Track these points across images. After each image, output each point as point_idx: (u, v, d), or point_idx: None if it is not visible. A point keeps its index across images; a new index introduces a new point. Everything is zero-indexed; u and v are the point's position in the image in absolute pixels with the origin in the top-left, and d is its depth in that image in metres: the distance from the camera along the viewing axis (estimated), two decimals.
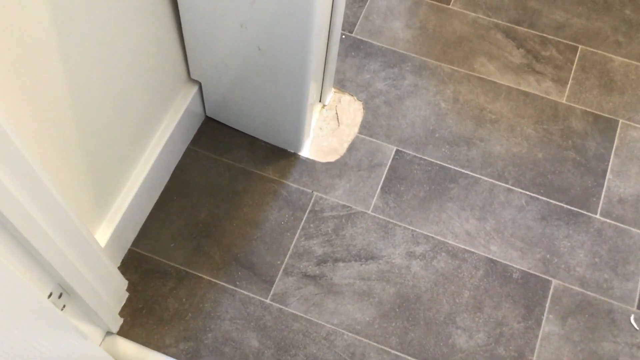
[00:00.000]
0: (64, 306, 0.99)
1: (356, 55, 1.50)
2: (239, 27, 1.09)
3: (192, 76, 1.28)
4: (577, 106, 1.44)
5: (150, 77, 1.13)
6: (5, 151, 0.70)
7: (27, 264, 0.86)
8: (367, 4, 1.57)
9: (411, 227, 1.30)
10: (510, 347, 1.20)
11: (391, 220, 1.31)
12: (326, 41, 1.24)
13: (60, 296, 0.97)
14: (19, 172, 0.73)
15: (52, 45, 0.82)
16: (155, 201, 1.30)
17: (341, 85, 1.46)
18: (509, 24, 1.54)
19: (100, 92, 0.98)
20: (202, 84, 1.30)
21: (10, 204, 0.73)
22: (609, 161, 1.38)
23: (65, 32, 0.84)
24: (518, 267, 1.27)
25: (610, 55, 1.51)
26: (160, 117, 1.23)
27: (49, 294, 0.94)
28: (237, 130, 1.39)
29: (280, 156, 1.37)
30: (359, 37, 1.53)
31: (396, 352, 1.18)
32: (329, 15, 1.17)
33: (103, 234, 1.14)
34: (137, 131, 1.16)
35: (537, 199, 1.34)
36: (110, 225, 1.15)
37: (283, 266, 1.25)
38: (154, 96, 1.18)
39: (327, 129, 1.42)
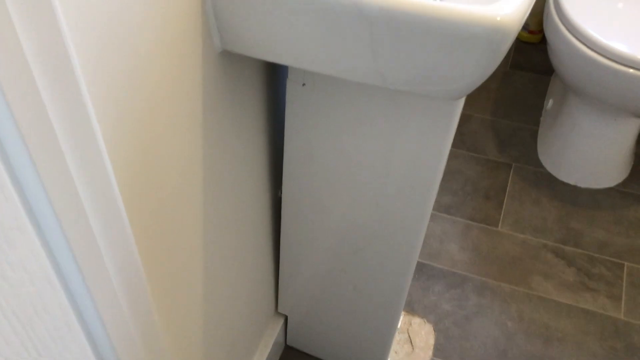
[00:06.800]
0: None
1: (420, 277, 1.60)
2: (339, 271, 1.19)
3: (279, 310, 1.35)
4: (635, 322, 1.52)
5: (242, 314, 1.20)
6: None
7: None
8: None
9: None
10: None
11: None
12: None
13: None
14: None
15: (198, 283, 0.91)
16: None
17: (410, 307, 1.54)
18: (556, 244, 1.68)
19: (205, 325, 1.04)
20: (288, 317, 1.37)
21: None
22: None
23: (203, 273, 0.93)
24: None
25: None
26: (250, 353, 1.28)
27: None
28: (316, 357, 1.43)
29: None
30: (420, 260, 1.64)
31: None
32: None
33: None
34: None
35: None
36: None
37: None
38: (243, 332, 1.24)
39: (402, 352, 1.47)
